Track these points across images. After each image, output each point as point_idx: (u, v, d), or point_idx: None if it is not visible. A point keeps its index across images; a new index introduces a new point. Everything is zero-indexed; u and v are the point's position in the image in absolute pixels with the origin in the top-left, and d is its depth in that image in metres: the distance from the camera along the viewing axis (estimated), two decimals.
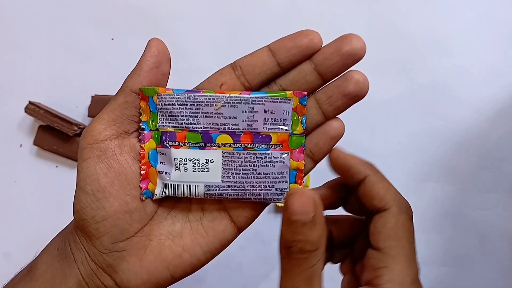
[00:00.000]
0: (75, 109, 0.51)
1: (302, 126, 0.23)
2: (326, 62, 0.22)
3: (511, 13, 0.48)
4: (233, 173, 0.23)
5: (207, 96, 0.22)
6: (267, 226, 0.47)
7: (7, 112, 0.51)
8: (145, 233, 0.23)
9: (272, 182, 0.23)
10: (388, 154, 0.47)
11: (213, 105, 0.22)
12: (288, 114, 0.23)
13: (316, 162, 0.24)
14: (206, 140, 0.23)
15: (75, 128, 0.48)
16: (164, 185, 0.23)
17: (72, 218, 0.24)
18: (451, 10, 0.48)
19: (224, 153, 0.23)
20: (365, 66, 0.48)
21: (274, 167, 0.23)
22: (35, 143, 0.50)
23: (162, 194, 0.23)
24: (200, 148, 0.23)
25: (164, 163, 0.23)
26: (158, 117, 0.23)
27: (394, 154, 0.47)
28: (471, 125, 0.47)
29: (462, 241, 0.46)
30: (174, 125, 0.23)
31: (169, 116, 0.23)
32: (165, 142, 0.23)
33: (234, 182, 0.23)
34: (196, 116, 0.23)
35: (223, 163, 0.23)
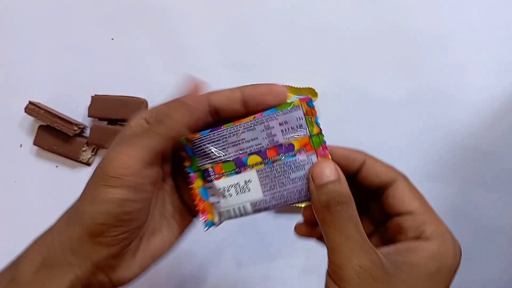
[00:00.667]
0: (75, 109, 0.51)
1: (318, 125, 0.25)
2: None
3: None
4: (271, 186, 0.26)
5: (227, 129, 0.25)
6: (267, 226, 0.47)
7: (7, 112, 0.51)
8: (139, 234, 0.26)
9: (307, 182, 0.25)
10: (389, 154, 0.47)
11: (235, 134, 0.26)
12: (302, 119, 0.25)
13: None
14: (239, 165, 0.26)
15: (75, 128, 0.48)
16: (219, 213, 0.26)
17: None
18: (452, 10, 0.48)
19: (258, 171, 0.26)
20: (367, 66, 0.48)
21: (304, 169, 0.25)
22: (35, 143, 0.50)
23: (220, 221, 0.26)
24: (236, 174, 0.26)
25: (213, 195, 0.27)
26: (197, 159, 0.26)
27: (394, 154, 0.47)
28: (471, 125, 0.47)
29: (462, 240, 0.46)
30: (210, 161, 0.26)
31: (204, 155, 0.26)
32: (208, 178, 0.26)
33: (274, 193, 0.26)
34: (225, 148, 0.26)
35: (260, 179, 0.26)
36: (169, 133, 0.24)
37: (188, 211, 0.29)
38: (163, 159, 0.26)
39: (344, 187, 0.23)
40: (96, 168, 0.24)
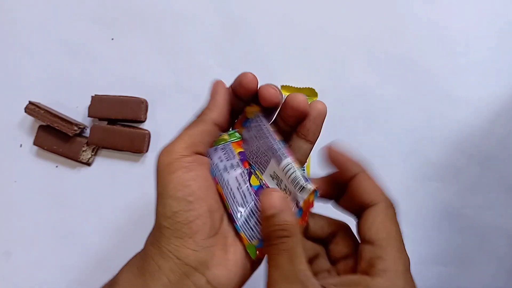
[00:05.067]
0: (75, 109, 0.51)
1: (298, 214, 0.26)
2: (292, 120, 0.28)
3: None
4: None
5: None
6: None
7: (7, 112, 0.51)
8: (222, 231, 0.27)
9: None
10: (389, 154, 0.47)
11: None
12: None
13: (311, 142, 0.28)
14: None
15: (75, 128, 0.48)
16: None
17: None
18: (452, 9, 0.48)
19: None
20: (366, 66, 0.48)
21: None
22: (35, 143, 0.50)
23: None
24: None
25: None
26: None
27: (394, 154, 0.47)
28: (471, 125, 0.47)
29: (462, 240, 0.46)
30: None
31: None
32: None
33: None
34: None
35: None
36: (213, 117, 0.27)
37: None
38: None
39: (286, 220, 0.24)
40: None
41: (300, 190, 0.25)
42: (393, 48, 0.48)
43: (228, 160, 0.28)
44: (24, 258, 0.49)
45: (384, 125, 0.48)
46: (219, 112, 0.27)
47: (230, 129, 0.30)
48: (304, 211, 0.25)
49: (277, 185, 0.27)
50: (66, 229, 0.49)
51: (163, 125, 0.49)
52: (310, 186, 0.24)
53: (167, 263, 0.24)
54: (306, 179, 0.25)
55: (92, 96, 0.49)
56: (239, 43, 0.50)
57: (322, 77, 0.48)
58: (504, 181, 0.46)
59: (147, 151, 0.49)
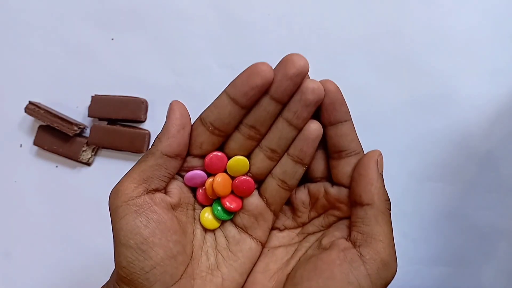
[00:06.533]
0: (75, 109, 0.51)
1: None
2: (279, 90, 0.23)
3: None
4: None
5: None
6: None
7: (7, 112, 0.51)
8: (189, 274, 0.24)
9: None
10: (389, 154, 0.47)
11: None
12: None
13: (305, 165, 0.26)
14: None
15: (75, 128, 0.48)
16: None
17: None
18: (452, 9, 0.48)
19: None
20: (366, 66, 0.48)
21: None
22: (35, 143, 0.50)
23: None
24: None
25: None
26: None
27: (394, 154, 0.47)
28: (472, 125, 0.47)
29: (462, 241, 0.46)
30: None
31: None
32: None
33: None
34: None
35: None
36: (164, 150, 0.24)
37: (249, 238, 0.27)
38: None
39: None
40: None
41: None
42: (393, 48, 0.48)
43: None
44: (24, 258, 0.49)
45: (384, 125, 0.48)
46: (170, 142, 0.24)
47: None
48: None
49: None
50: (66, 229, 0.49)
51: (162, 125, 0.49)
52: None
53: None
54: None
55: (92, 96, 0.49)
56: (239, 43, 0.50)
57: (322, 78, 0.48)
58: (504, 181, 0.46)
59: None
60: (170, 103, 0.26)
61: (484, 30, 0.47)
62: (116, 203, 0.23)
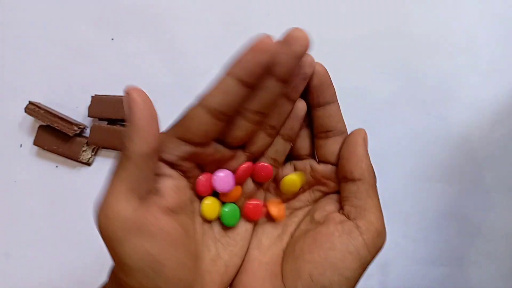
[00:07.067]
0: (75, 109, 0.51)
1: None
2: (286, 70, 0.23)
3: None
4: None
5: None
6: None
7: (7, 112, 0.51)
8: (198, 273, 0.24)
9: None
10: (389, 154, 0.47)
11: None
12: None
13: (292, 142, 0.27)
14: None
15: (75, 128, 0.48)
16: None
17: None
18: (452, 9, 0.48)
19: None
20: (366, 66, 0.48)
21: None
22: (35, 143, 0.50)
23: None
24: None
25: None
26: None
27: (394, 154, 0.47)
28: (471, 125, 0.47)
29: (462, 241, 0.46)
30: None
31: None
32: None
33: None
34: None
35: None
36: (140, 151, 0.21)
37: (242, 220, 0.27)
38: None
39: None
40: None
41: None
42: (393, 49, 0.48)
43: None
44: (24, 258, 0.49)
45: (384, 125, 0.48)
46: (144, 139, 0.21)
47: None
48: None
49: None
50: (66, 229, 0.49)
51: (163, 125, 0.49)
52: None
53: None
54: None
55: (92, 96, 0.49)
56: (239, 43, 0.50)
57: None
58: (504, 181, 0.46)
59: None
60: (126, 92, 0.22)
61: (484, 30, 0.47)
62: (111, 228, 0.21)
